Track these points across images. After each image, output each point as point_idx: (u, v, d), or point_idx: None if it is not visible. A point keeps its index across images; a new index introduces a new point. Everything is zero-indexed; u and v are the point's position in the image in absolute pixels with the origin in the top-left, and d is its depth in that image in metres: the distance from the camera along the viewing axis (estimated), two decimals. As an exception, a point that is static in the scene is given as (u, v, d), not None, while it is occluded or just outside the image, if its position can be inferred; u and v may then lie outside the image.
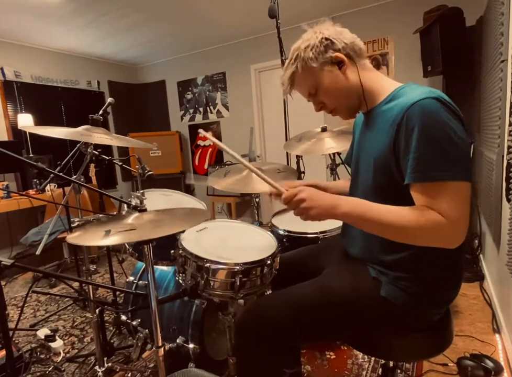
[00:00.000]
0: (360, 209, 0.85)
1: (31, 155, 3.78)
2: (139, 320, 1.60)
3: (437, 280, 0.92)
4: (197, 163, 5.27)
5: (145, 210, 0.99)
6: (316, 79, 0.96)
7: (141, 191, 1.01)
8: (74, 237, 0.85)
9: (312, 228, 1.57)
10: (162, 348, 0.98)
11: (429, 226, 0.79)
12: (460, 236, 0.80)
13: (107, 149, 4.98)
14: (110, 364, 1.60)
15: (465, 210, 0.79)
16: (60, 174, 1.11)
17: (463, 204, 0.78)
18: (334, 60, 0.93)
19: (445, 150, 0.77)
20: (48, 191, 3.31)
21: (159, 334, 0.97)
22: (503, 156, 1.66)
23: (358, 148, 1.06)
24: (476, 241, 2.74)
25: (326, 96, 0.98)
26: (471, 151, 2.75)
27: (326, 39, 0.92)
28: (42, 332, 2.03)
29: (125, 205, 1.27)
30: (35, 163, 1.01)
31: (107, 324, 2.09)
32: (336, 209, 0.86)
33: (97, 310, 1.58)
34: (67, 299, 2.62)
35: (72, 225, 1.48)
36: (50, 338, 1.96)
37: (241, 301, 1.17)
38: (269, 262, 1.16)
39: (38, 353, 1.90)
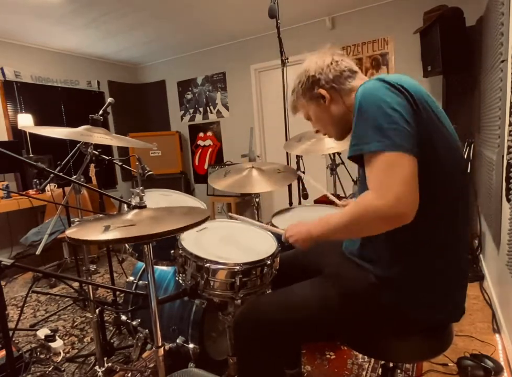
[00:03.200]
0: (323, 227, 0.94)
1: (31, 155, 3.78)
2: (139, 320, 1.60)
3: (438, 287, 0.91)
4: (197, 163, 5.27)
5: (144, 206, 0.98)
6: (306, 110, 1.11)
7: (141, 187, 1.01)
8: (73, 233, 0.84)
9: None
10: (162, 348, 0.98)
11: (365, 212, 0.80)
12: (397, 205, 0.76)
13: (107, 149, 4.97)
14: (110, 364, 1.60)
15: (395, 179, 0.76)
16: (60, 174, 1.11)
17: (393, 174, 0.77)
18: (318, 95, 1.03)
19: (377, 122, 0.80)
20: (48, 191, 3.31)
21: (159, 334, 0.97)
22: (503, 156, 1.66)
23: None
24: (476, 241, 2.74)
25: (316, 124, 1.12)
26: (469, 150, 2.75)
27: (313, 76, 1.02)
28: (42, 332, 2.03)
29: (125, 205, 1.27)
30: (35, 163, 1.01)
31: (107, 324, 2.09)
32: (311, 236, 0.97)
33: (97, 310, 1.57)
34: (67, 299, 2.62)
35: (72, 225, 1.48)
36: (50, 338, 1.95)
37: (239, 301, 1.17)
38: (269, 262, 1.16)
39: (38, 353, 1.90)
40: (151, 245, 0.94)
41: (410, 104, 0.82)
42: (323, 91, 1.02)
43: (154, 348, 0.99)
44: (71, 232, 0.83)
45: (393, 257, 0.92)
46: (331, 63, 1.01)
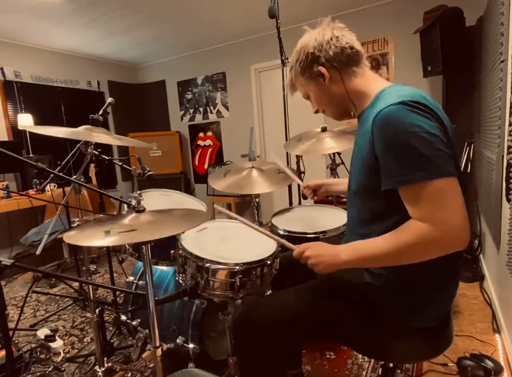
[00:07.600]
0: (357, 253, 0.87)
1: (31, 155, 3.78)
2: (139, 320, 1.60)
3: (431, 289, 0.91)
4: (197, 163, 5.27)
5: (143, 210, 0.98)
6: (305, 89, 1.06)
7: (139, 192, 1.00)
8: (70, 237, 0.84)
9: (312, 228, 1.57)
10: (160, 349, 0.98)
11: (419, 240, 0.78)
12: (456, 233, 0.76)
13: (107, 149, 4.98)
14: (110, 364, 1.60)
15: (450, 207, 0.76)
16: (60, 174, 1.11)
17: (446, 202, 0.76)
18: (318, 73, 0.98)
19: (418, 151, 0.76)
20: (48, 191, 3.31)
21: (157, 334, 0.97)
22: (503, 156, 1.66)
23: (354, 148, 1.07)
24: (476, 241, 2.74)
25: (315, 102, 1.08)
26: (469, 150, 2.75)
27: (312, 53, 0.97)
28: (42, 332, 2.03)
29: (125, 205, 1.27)
30: (35, 163, 1.01)
31: (107, 324, 2.08)
32: (338, 260, 0.88)
33: (97, 310, 1.57)
34: (67, 299, 2.62)
35: (72, 225, 1.48)
36: (50, 338, 1.95)
37: (239, 301, 1.17)
38: (269, 262, 1.16)
39: (38, 353, 1.90)
40: (149, 245, 0.94)
41: (438, 123, 0.79)
42: (322, 69, 0.97)
43: (152, 349, 0.99)
44: (69, 236, 0.83)
45: None
46: (331, 39, 0.95)
